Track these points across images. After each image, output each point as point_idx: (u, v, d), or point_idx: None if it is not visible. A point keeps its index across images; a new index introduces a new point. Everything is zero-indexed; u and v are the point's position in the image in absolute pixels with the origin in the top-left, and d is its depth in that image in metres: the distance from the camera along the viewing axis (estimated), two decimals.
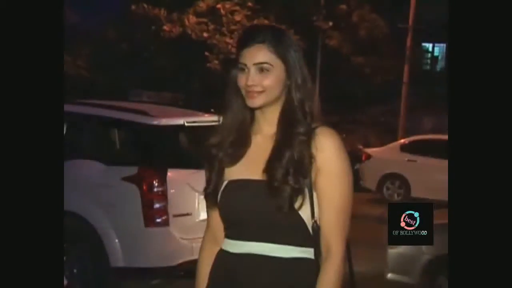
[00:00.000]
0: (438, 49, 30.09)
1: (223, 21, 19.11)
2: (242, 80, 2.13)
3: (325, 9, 20.79)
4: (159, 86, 22.39)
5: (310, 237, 2.12)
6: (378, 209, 11.57)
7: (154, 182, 5.73)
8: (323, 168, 2.09)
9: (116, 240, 5.80)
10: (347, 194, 2.12)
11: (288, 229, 2.11)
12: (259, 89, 2.11)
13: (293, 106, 2.14)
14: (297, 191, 2.08)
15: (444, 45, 28.99)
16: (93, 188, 5.96)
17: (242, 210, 2.13)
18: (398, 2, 22.84)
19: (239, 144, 2.20)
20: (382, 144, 16.17)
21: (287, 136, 2.12)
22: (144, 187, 5.72)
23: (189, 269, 5.69)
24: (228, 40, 18.98)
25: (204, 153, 2.24)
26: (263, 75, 2.11)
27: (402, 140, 15.33)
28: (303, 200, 2.09)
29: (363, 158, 14.31)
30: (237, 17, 19.04)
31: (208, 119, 6.16)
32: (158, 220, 5.73)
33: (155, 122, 6.00)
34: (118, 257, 5.79)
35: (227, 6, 18.98)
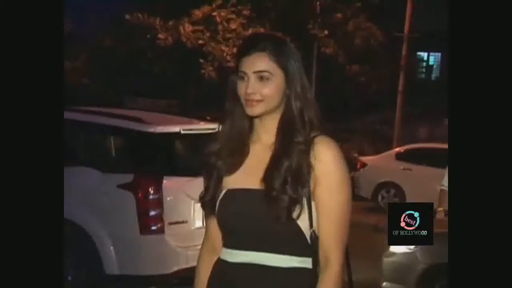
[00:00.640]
0: (433, 58, 30.17)
1: (218, 29, 19.13)
2: (241, 88, 2.11)
3: (321, 17, 20.81)
4: (155, 94, 22.40)
5: (308, 246, 2.11)
6: (373, 217, 11.53)
7: (150, 189, 5.73)
8: (321, 178, 2.08)
9: (111, 248, 5.78)
10: (346, 204, 2.11)
11: (286, 238, 2.10)
12: (258, 97, 2.09)
13: (293, 115, 2.12)
14: (295, 201, 2.06)
15: (439, 54, 29.09)
16: (89, 196, 5.95)
17: (240, 219, 2.12)
18: (393, 11, 22.89)
19: (238, 153, 2.18)
20: (377, 152, 16.15)
21: (286, 145, 2.11)
22: (140, 195, 5.71)
23: (184, 276, 5.70)
24: (223, 47, 18.99)
25: (203, 161, 2.22)
26: (263, 84, 2.10)
27: (398, 149, 15.29)
28: (301, 209, 2.07)
29: (358, 166, 14.27)
30: (233, 25, 19.05)
31: (204, 127, 6.17)
32: (154, 227, 5.72)
33: (151, 130, 5.99)
34: (113, 264, 5.78)
35: (223, 14, 18.97)
